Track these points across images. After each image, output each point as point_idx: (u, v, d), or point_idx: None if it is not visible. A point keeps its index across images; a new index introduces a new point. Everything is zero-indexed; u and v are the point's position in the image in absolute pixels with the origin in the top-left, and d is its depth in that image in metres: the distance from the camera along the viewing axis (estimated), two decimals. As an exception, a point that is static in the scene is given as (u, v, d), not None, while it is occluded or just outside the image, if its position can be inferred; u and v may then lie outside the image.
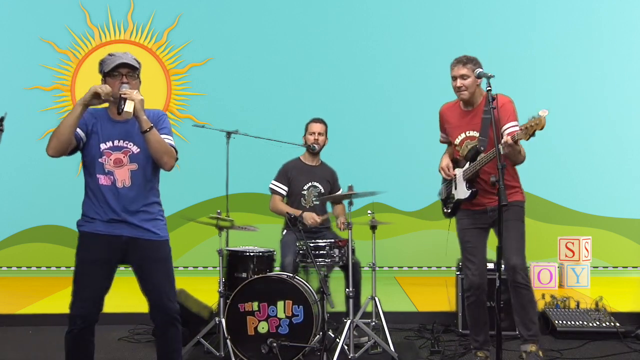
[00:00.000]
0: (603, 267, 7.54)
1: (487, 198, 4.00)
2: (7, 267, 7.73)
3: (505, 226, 3.85)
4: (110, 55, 3.22)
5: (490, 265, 4.34)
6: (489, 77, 3.65)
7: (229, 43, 7.81)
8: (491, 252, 4.10)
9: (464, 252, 4.13)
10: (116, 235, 3.18)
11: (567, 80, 7.70)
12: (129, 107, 3.05)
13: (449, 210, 4.23)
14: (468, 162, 4.01)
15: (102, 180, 3.18)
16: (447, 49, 7.68)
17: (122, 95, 3.07)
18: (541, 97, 7.37)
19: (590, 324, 4.87)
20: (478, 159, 3.91)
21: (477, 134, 3.95)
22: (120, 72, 3.16)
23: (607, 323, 4.88)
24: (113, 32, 7.80)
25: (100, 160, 3.18)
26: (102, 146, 3.18)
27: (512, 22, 7.75)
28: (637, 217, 7.64)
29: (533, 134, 3.53)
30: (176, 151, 3.27)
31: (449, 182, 4.23)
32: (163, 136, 3.20)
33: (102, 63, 3.23)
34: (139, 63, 3.28)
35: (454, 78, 3.98)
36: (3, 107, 3.37)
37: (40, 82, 7.77)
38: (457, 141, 4.12)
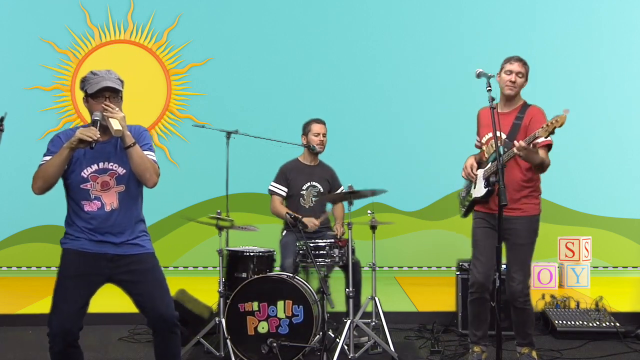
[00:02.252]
0: (603, 267, 7.54)
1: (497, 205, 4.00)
2: (7, 267, 7.73)
3: (516, 246, 3.88)
4: (93, 74, 3.17)
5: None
6: (489, 77, 3.67)
7: (229, 43, 7.81)
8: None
9: (473, 250, 4.16)
10: (102, 253, 3.17)
11: (567, 80, 7.70)
12: (115, 124, 3.05)
13: (465, 209, 4.26)
14: (490, 163, 4.02)
15: (87, 207, 3.16)
16: (447, 49, 7.74)
17: (105, 115, 3.07)
18: (541, 97, 7.33)
19: (590, 324, 4.88)
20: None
21: (504, 136, 3.97)
22: (104, 94, 3.13)
23: (607, 323, 4.88)
24: (113, 32, 7.80)
25: (84, 186, 3.16)
26: (88, 170, 3.15)
27: (512, 22, 7.75)
28: (637, 217, 7.64)
29: (553, 132, 3.61)
30: (158, 167, 3.24)
31: (470, 183, 4.23)
32: (145, 152, 3.17)
33: (84, 81, 3.19)
34: (121, 82, 3.23)
35: (510, 72, 3.99)
36: (3, 107, 3.36)
37: (40, 82, 7.77)
38: (483, 140, 4.14)
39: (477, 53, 7.57)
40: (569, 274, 6.78)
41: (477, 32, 7.69)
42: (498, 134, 3.96)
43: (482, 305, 4.09)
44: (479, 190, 4.07)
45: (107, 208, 3.16)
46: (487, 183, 4.01)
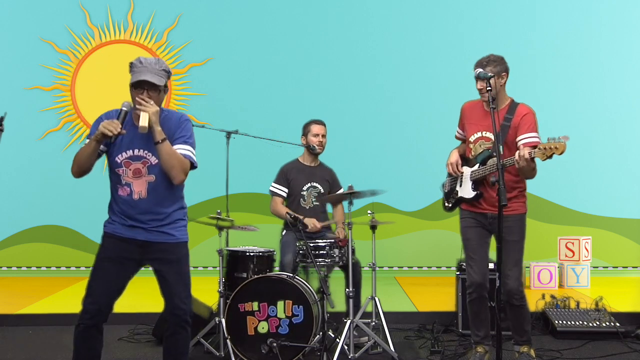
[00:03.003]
0: (603, 267, 7.54)
1: (490, 204, 4.00)
2: (7, 267, 7.73)
3: (508, 243, 3.89)
4: (139, 62, 3.15)
5: (491, 265, 4.34)
6: (488, 78, 3.68)
7: (229, 43, 7.82)
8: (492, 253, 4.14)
9: (466, 250, 4.15)
10: (132, 238, 3.20)
11: (567, 80, 7.70)
12: (143, 120, 3.03)
13: (450, 205, 4.25)
14: (478, 164, 4.01)
15: (120, 191, 3.20)
16: (447, 49, 7.74)
17: (138, 108, 3.07)
18: (541, 97, 7.36)
19: (590, 324, 4.88)
20: (489, 163, 3.92)
21: (492, 137, 3.95)
22: (143, 86, 3.12)
23: (607, 323, 4.88)
24: (113, 32, 7.80)
25: (118, 170, 3.18)
26: (123, 156, 3.17)
27: (512, 22, 7.75)
28: (637, 217, 7.64)
29: (550, 157, 3.57)
30: (192, 162, 3.20)
31: (454, 178, 4.22)
32: (179, 146, 3.16)
33: (131, 67, 3.17)
34: (167, 74, 3.19)
35: (475, 79, 3.89)
36: (3, 107, 3.37)
37: (40, 82, 7.77)
38: (471, 138, 4.10)
39: (477, 53, 7.53)
40: (569, 274, 6.78)
41: (477, 32, 7.69)
42: (489, 135, 3.97)
43: (482, 304, 4.09)
44: (467, 192, 4.07)
45: (135, 196, 3.17)
46: (475, 186, 4.01)
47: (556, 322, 4.91)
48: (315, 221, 4.95)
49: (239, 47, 7.81)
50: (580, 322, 4.90)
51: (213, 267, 7.23)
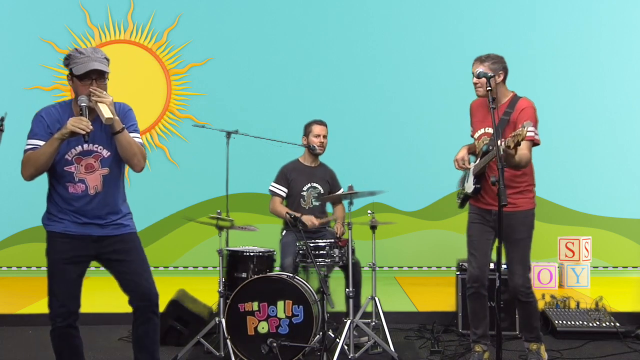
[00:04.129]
0: (603, 267, 7.53)
1: (494, 199, 4.01)
2: (7, 267, 7.73)
3: (513, 241, 3.90)
4: (79, 52, 3.06)
5: (492, 265, 4.34)
6: (488, 78, 3.69)
7: (229, 43, 7.81)
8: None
9: (468, 245, 4.17)
10: (86, 235, 3.16)
11: (567, 80, 7.70)
12: (106, 112, 2.97)
13: (459, 202, 4.27)
14: (479, 158, 4.03)
15: (71, 189, 3.14)
16: (447, 49, 7.74)
17: (93, 100, 3.00)
18: (541, 97, 7.32)
19: (590, 324, 4.88)
20: (487, 156, 3.95)
21: (492, 131, 3.98)
22: (91, 76, 3.04)
23: (607, 323, 4.88)
24: (113, 32, 7.80)
25: (68, 169, 3.12)
26: (73, 152, 3.11)
27: (512, 22, 7.75)
28: (637, 217, 7.63)
29: (518, 144, 3.55)
30: (144, 150, 3.18)
31: (465, 175, 4.24)
32: (131, 135, 3.11)
33: (69, 59, 3.07)
34: (108, 61, 3.12)
35: (473, 75, 3.96)
36: (3, 107, 3.37)
37: (40, 82, 7.76)
38: (476, 135, 4.16)
39: (477, 53, 7.54)
40: (569, 274, 6.78)
41: (477, 32, 7.68)
42: (491, 130, 3.97)
43: (479, 300, 4.09)
44: (469, 186, 4.10)
45: (91, 191, 3.13)
46: (477, 180, 4.03)
47: (556, 322, 4.91)
48: (313, 218, 4.95)
49: (239, 47, 7.80)
50: (580, 322, 4.90)
51: (213, 267, 7.23)
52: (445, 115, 7.64)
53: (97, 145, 3.12)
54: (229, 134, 5.35)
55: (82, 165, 3.12)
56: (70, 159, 3.12)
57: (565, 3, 7.76)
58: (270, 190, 5.16)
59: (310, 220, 4.91)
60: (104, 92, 3.04)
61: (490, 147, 3.85)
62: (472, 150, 4.20)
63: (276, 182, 5.17)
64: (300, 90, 7.75)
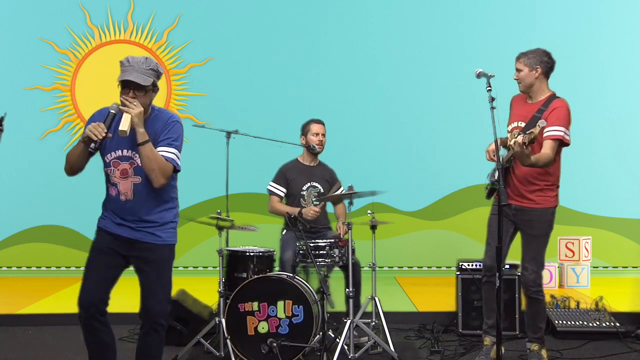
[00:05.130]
0: (603, 267, 7.53)
1: (514, 193, 4.03)
2: (7, 267, 7.73)
3: (529, 237, 3.97)
4: (127, 60, 3.10)
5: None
6: (489, 77, 3.69)
7: (229, 43, 7.81)
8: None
9: (487, 235, 4.21)
10: (120, 235, 3.21)
11: (567, 80, 7.67)
12: (124, 124, 2.98)
13: (486, 192, 4.28)
14: (507, 151, 4.07)
15: (110, 190, 3.22)
16: (447, 49, 7.74)
17: (121, 109, 3.03)
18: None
19: (590, 324, 4.88)
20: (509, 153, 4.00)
21: (523, 125, 4.02)
22: (129, 86, 3.07)
23: (607, 323, 4.88)
24: (113, 32, 7.80)
25: (107, 170, 3.20)
26: (111, 156, 3.16)
27: (512, 22, 7.75)
28: (637, 217, 7.63)
29: (532, 142, 3.66)
30: (176, 166, 3.16)
31: (495, 167, 4.26)
32: (163, 149, 3.11)
33: (121, 66, 3.13)
34: (155, 73, 3.12)
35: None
36: (3, 107, 3.37)
37: (40, 82, 7.77)
38: (509, 128, 4.20)
39: (477, 53, 7.57)
40: (569, 274, 6.78)
41: (477, 32, 7.69)
42: (522, 124, 3.99)
43: (491, 291, 4.08)
44: (494, 178, 4.14)
45: (122, 198, 3.17)
46: (503, 174, 4.06)
47: (556, 322, 4.91)
48: (313, 207, 4.95)
49: (239, 47, 7.80)
50: (580, 322, 4.90)
51: (213, 267, 7.24)
52: (445, 115, 7.64)
53: (133, 152, 3.13)
54: (229, 134, 5.34)
55: (118, 170, 3.16)
56: (108, 161, 3.18)
57: (565, 3, 7.76)
58: (268, 190, 5.16)
59: (311, 210, 4.90)
60: (135, 103, 3.04)
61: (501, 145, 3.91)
62: (503, 143, 4.22)
63: (274, 181, 5.17)
64: (300, 90, 7.75)
